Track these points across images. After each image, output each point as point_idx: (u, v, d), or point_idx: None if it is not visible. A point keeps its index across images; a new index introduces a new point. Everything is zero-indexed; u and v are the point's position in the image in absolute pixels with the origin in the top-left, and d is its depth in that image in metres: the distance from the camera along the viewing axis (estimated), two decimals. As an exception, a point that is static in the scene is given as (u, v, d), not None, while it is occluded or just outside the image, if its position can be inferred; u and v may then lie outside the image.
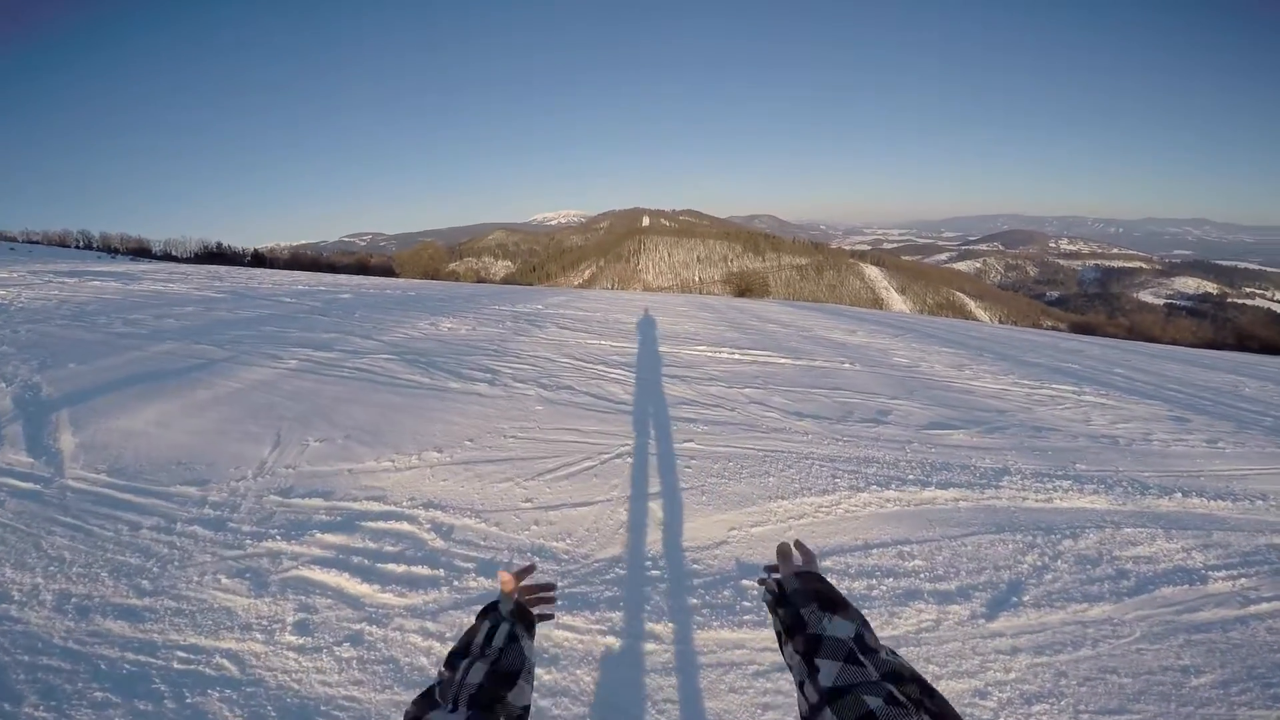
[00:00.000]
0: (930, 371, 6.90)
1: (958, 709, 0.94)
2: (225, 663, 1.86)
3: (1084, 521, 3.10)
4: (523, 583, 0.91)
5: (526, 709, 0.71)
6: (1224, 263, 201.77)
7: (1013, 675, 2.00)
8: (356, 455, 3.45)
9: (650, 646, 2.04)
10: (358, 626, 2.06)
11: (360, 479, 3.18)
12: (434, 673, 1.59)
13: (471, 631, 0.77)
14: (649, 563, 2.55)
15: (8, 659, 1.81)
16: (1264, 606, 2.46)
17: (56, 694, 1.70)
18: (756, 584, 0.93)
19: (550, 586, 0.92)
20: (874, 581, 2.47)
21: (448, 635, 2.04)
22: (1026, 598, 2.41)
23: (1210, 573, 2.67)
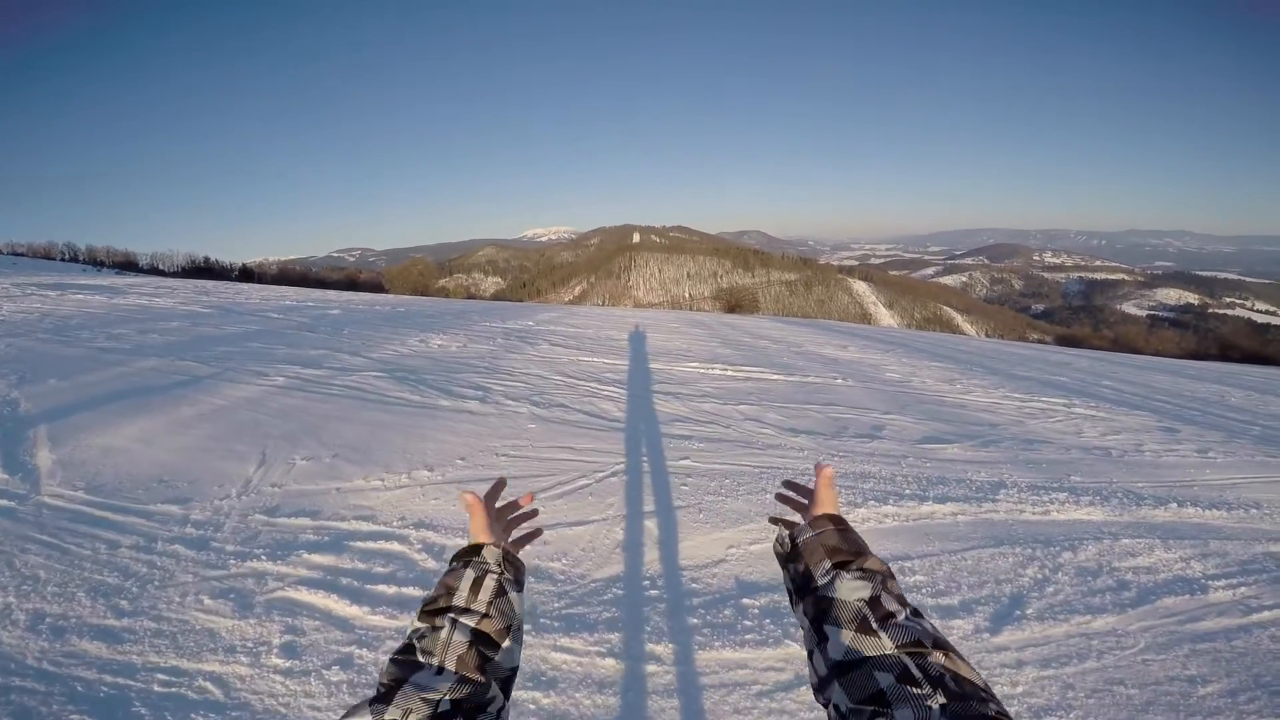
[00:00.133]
0: (922, 386, 6.94)
1: None
2: (209, 686, 1.78)
3: (1082, 533, 3.09)
4: (496, 505, 0.80)
5: (515, 670, 0.64)
6: (1204, 273, 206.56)
7: (1020, 689, 1.96)
8: (345, 474, 3.38)
9: (651, 668, 1.98)
10: (347, 649, 1.98)
11: (349, 498, 3.10)
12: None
13: (452, 579, 0.66)
14: (647, 582, 2.50)
15: (-24, 686, 1.72)
16: (1265, 615, 2.45)
17: (31, 716, 1.62)
18: (768, 521, 0.84)
19: (531, 515, 0.84)
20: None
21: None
22: (1030, 611, 2.38)
23: (1210, 582, 2.66)
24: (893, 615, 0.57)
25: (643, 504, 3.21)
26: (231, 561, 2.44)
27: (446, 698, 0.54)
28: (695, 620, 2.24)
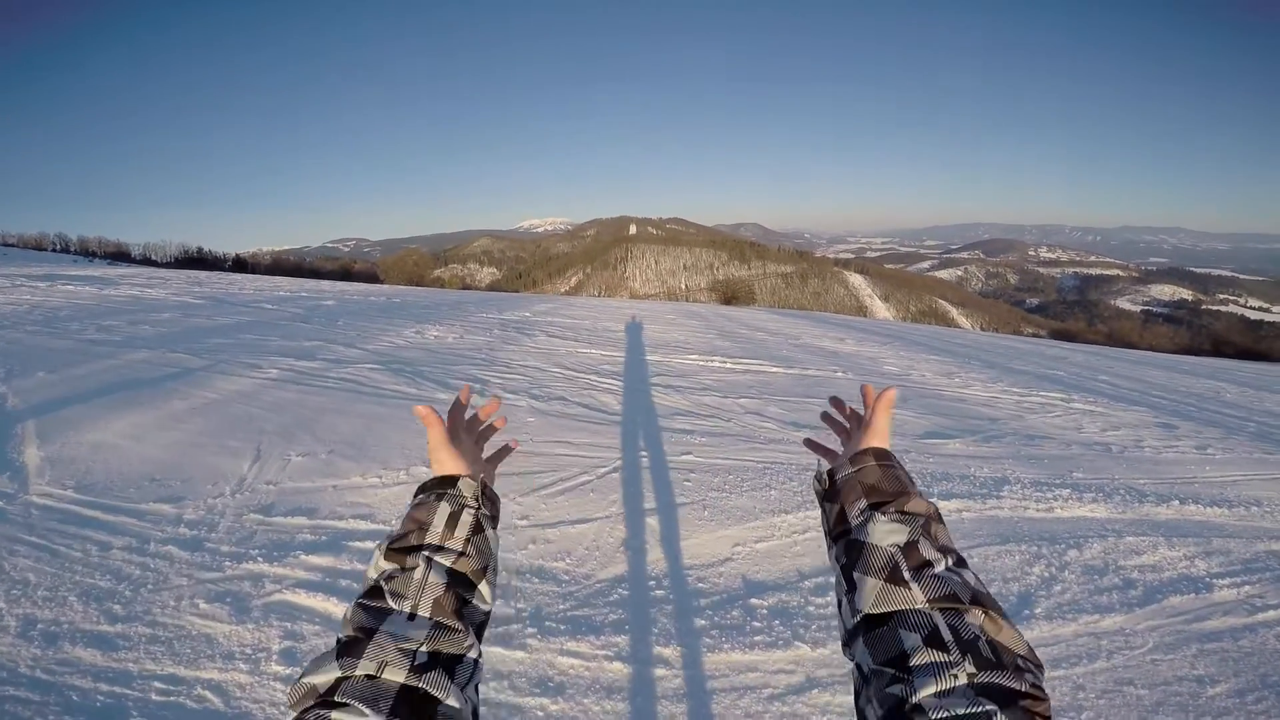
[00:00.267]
0: (921, 379, 6.92)
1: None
2: (208, 694, 1.74)
3: (1086, 531, 3.08)
4: (468, 415, 0.72)
5: (488, 616, 0.58)
6: (1199, 270, 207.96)
7: (1030, 693, 1.95)
8: (341, 470, 3.32)
9: (660, 672, 1.95)
10: (347, 654, 1.94)
11: (346, 495, 3.05)
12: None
13: (423, 513, 0.58)
14: (653, 582, 2.46)
15: (-35, 695, 1.67)
16: (1271, 614, 2.45)
17: (24, 729, 1.57)
18: (802, 444, 0.77)
19: (496, 428, 0.75)
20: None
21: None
22: (1038, 610, 2.37)
23: (1215, 580, 2.66)
24: (929, 564, 0.51)
25: (646, 501, 3.17)
26: (227, 563, 2.39)
27: (424, 648, 0.48)
28: (703, 622, 2.21)
